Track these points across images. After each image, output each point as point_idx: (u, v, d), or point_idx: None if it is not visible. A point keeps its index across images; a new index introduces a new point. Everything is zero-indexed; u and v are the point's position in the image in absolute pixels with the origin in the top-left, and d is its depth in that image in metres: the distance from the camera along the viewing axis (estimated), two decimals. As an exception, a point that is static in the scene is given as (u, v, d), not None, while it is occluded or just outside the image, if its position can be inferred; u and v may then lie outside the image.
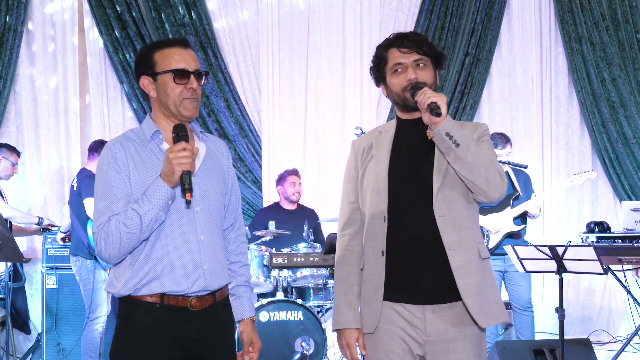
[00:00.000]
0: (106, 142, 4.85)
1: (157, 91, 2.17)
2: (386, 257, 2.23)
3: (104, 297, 4.68)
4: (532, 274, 4.73)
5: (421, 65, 2.26)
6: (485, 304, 2.20)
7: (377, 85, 2.40)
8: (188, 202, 2.04)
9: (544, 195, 5.17)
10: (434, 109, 2.10)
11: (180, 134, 2.08)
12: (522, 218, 4.91)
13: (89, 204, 4.69)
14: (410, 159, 2.28)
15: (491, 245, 4.86)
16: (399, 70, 2.26)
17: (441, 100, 2.11)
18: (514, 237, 4.86)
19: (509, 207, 4.87)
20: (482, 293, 2.20)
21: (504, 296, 5.13)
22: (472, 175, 2.17)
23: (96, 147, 4.96)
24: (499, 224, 4.88)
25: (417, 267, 2.21)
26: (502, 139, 4.96)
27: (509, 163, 4.84)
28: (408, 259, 2.22)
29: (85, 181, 4.73)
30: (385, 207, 2.23)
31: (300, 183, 5.79)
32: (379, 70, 2.33)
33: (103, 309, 4.67)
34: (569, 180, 5.04)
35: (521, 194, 4.95)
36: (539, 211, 4.92)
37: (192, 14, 6.36)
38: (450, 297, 2.19)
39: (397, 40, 2.28)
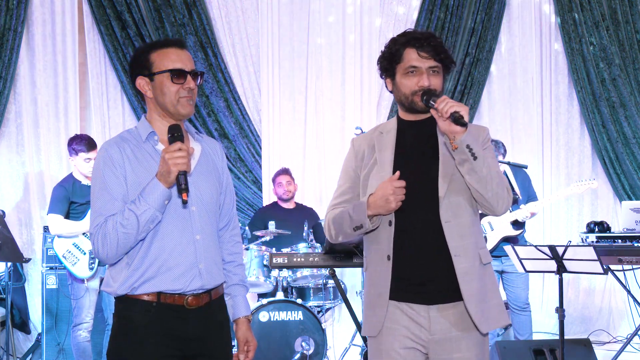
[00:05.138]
0: (80, 136, 4.68)
1: (154, 91, 2.18)
2: (393, 261, 2.22)
3: (83, 305, 4.54)
4: (529, 275, 4.73)
5: (435, 72, 2.24)
6: (486, 309, 2.22)
7: (382, 77, 2.36)
8: (184, 202, 2.05)
9: (543, 202, 5.14)
10: (458, 119, 2.08)
11: (176, 134, 2.09)
12: (518, 223, 4.90)
13: (49, 220, 4.61)
14: (415, 163, 2.27)
15: (488, 247, 4.85)
16: (413, 72, 2.23)
17: (464, 110, 2.09)
18: (510, 241, 4.85)
19: (508, 211, 4.87)
20: (482, 299, 2.21)
21: (502, 296, 5.14)
22: (484, 188, 2.18)
23: (70, 143, 4.69)
24: (497, 226, 4.88)
25: (423, 271, 2.21)
26: (495, 147, 4.94)
27: (509, 163, 4.84)
28: (414, 264, 2.22)
29: (51, 194, 4.64)
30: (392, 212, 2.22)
31: (289, 182, 5.78)
32: (391, 65, 2.28)
33: (83, 316, 4.54)
34: (570, 188, 5.03)
35: (520, 196, 4.94)
36: (527, 218, 4.90)
37: (192, 14, 6.36)
38: (454, 298, 2.21)
39: (418, 42, 2.23)
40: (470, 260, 2.20)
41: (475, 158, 2.13)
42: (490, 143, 2.35)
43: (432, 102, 2.16)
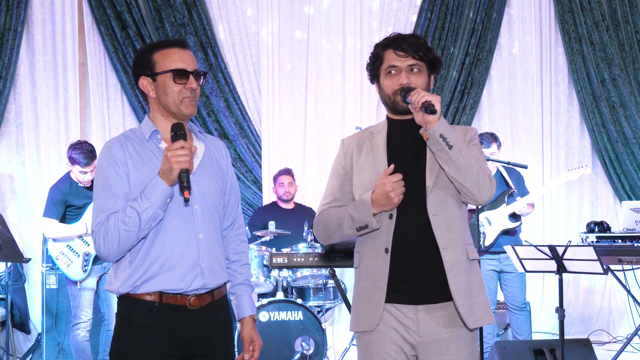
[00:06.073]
0: (81, 146, 4.53)
1: (157, 91, 2.18)
2: (390, 255, 2.23)
3: (81, 304, 4.55)
4: (527, 275, 4.75)
5: (415, 70, 2.28)
6: (472, 305, 2.23)
7: (372, 82, 2.42)
8: (186, 200, 2.05)
9: (540, 191, 5.17)
10: (428, 107, 2.11)
11: (179, 133, 2.10)
12: (516, 215, 4.92)
13: (43, 224, 4.62)
14: (404, 160, 2.29)
15: (487, 242, 4.87)
16: (393, 72, 2.28)
17: (435, 100, 2.12)
18: (509, 234, 4.88)
19: (504, 204, 4.90)
20: (469, 294, 2.22)
21: (500, 296, 5.15)
22: (463, 177, 2.19)
23: (70, 151, 4.58)
24: (495, 220, 4.90)
25: (412, 265, 2.22)
26: (490, 138, 4.98)
27: (509, 163, 4.85)
28: (404, 258, 2.23)
29: (47, 195, 4.64)
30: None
31: (291, 183, 5.77)
32: (375, 68, 2.35)
33: (81, 316, 4.55)
34: (564, 176, 5.05)
35: (515, 190, 4.97)
36: (524, 210, 4.92)
37: (192, 14, 6.36)
38: (442, 297, 2.21)
39: (395, 42, 2.29)
40: (458, 254, 2.22)
41: (450, 147, 2.15)
42: (479, 140, 2.37)
43: (407, 97, 2.20)
